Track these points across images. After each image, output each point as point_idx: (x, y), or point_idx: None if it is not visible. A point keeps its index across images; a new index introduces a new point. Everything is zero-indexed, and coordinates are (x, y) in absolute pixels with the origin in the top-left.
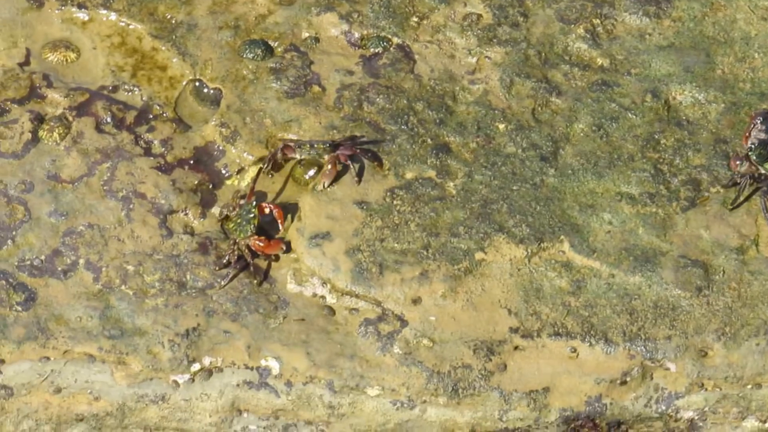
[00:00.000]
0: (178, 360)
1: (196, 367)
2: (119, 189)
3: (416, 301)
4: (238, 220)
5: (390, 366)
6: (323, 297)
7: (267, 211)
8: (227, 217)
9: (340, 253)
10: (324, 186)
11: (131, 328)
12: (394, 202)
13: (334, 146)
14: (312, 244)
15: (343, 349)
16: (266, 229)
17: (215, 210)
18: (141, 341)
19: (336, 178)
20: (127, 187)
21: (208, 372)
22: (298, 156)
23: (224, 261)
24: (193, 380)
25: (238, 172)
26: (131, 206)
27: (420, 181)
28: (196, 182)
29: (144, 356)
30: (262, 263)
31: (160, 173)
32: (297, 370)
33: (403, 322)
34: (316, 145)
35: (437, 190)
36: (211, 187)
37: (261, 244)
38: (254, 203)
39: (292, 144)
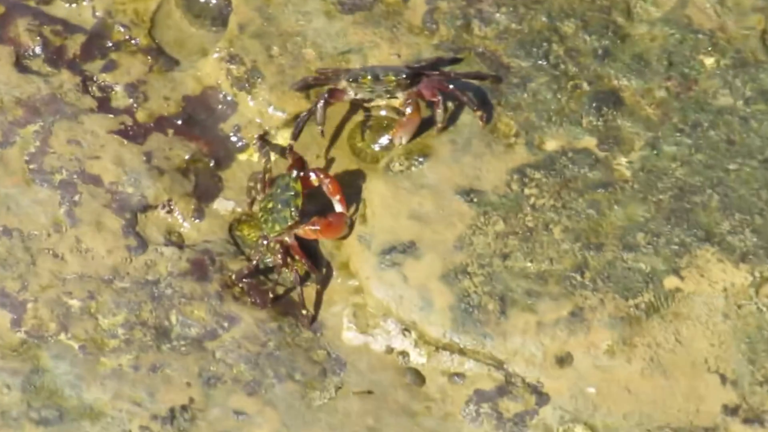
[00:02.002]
0: None
1: None
2: (55, 168)
3: (564, 360)
4: (269, 204)
5: None
6: (404, 354)
7: (314, 180)
8: (252, 203)
9: (432, 279)
10: (401, 141)
11: (77, 406)
12: (526, 191)
13: (414, 77)
14: (385, 264)
15: None
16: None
17: (221, 204)
18: (94, 429)
19: (418, 133)
20: (68, 166)
21: None
22: (353, 94)
23: (245, 271)
24: None
25: (260, 140)
26: (76, 198)
27: (569, 154)
28: (187, 157)
29: None
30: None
31: (125, 142)
32: None
33: (542, 397)
34: (383, 77)
35: (599, 171)
36: (212, 164)
37: (315, 228)
38: (294, 174)
39: (342, 79)
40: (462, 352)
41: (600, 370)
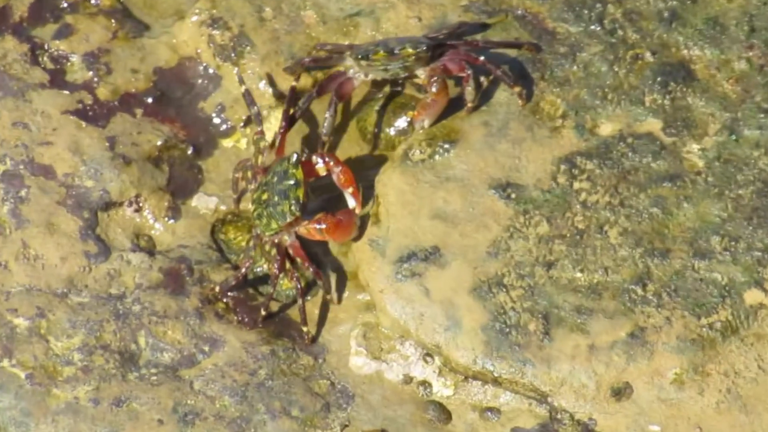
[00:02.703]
0: None
1: None
2: None
3: (622, 392)
4: (264, 196)
5: None
6: (426, 384)
7: (321, 168)
8: (239, 198)
9: (461, 293)
10: (423, 125)
11: None
12: (575, 185)
13: (437, 49)
14: (402, 274)
15: None
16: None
17: (200, 201)
18: None
19: (444, 114)
20: (13, 154)
21: None
22: (362, 77)
23: (232, 282)
24: None
25: (247, 122)
26: (23, 193)
27: (629, 140)
28: (159, 143)
29: None
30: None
31: (83, 124)
32: None
33: None
34: (399, 50)
35: (665, 161)
36: (190, 152)
37: (320, 227)
38: (294, 158)
39: (347, 58)
40: (497, 382)
41: (666, 405)
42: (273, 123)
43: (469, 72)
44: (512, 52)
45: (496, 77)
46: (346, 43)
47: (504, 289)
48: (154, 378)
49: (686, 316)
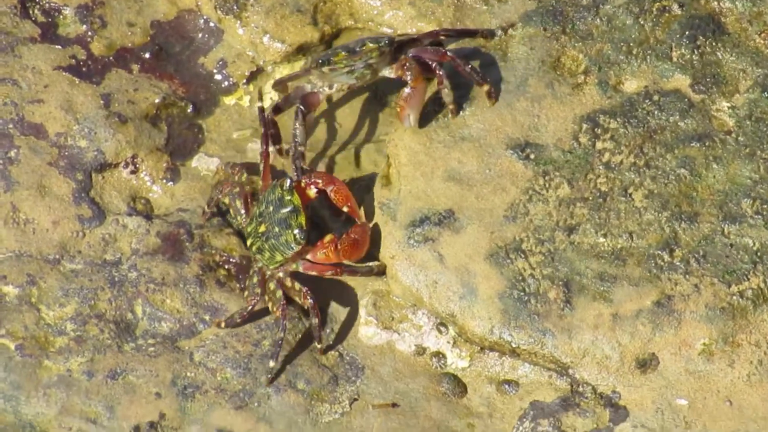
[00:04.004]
0: None
1: None
2: None
3: (647, 363)
4: (261, 228)
5: None
6: (440, 355)
7: (312, 191)
8: (227, 211)
9: (476, 259)
10: (410, 122)
11: (12, 423)
12: (598, 145)
13: (395, 43)
14: (415, 239)
15: None
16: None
17: (201, 162)
18: None
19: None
20: (2, 112)
21: None
22: (328, 89)
23: (238, 319)
24: None
25: (251, 78)
26: (12, 154)
27: (655, 98)
28: (157, 101)
29: None
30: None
31: (77, 81)
32: None
33: (618, 412)
34: (360, 47)
35: (693, 119)
36: (190, 110)
37: (337, 251)
38: (288, 184)
39: (311, 71)
40: (515, 353)
41: (694, 377)
42: (278, 76)
43: (441, 73)
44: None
45: (464, 75)
46: (300, 70)
47: (522, 255)
48: (152, 349)
49: (715, 284)
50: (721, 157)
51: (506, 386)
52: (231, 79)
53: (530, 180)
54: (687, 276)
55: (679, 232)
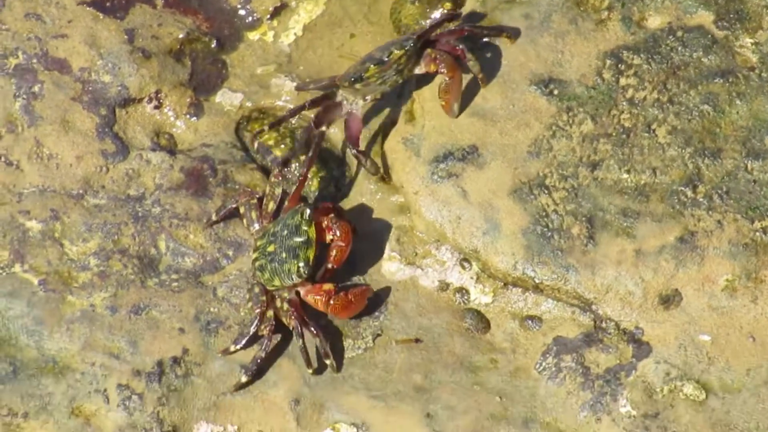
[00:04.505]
0: (142, 429)
1: None
2: (9, 51)
3: (670, 299)
4: (270, 248)
5: None
6: (463, 291)
7: (328, 239)
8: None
9: (500, 195)
10: (455, 112)
11: (35, 359)
12: (622, 81)
13: (420, 41)
14: (439, 175)
15: (508, 406)
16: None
17: (225, 98)
18: (58, 388)
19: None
20: (26, 47)
21: None
22: (360, 101)
23: (247, 338)
24: None
25: (275, 13)
26: (36, 89)
27: (678, 33)
28: (181, 36)
29: (64, 421)
30: None
31: (101, 16)
32: None
33: (641, 348)
34: (388, 57)
35: (717, 55)
36: (214, 46)
37: (328, 303)
38: (308, 213)
39: (339, 88)
40: (538, 289)
41: (717, 313)
42: (302, 15)
43: (461, 47)
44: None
45: (484, 37)
46: (326, 78)
47: (546, 191)
48: (175, 284)
49: (739, 220)
50: (744, 93)
51: (529, 322)
52: (255, 14)
53: (554, 116)
54: (710, 212)
55: (702, 168)
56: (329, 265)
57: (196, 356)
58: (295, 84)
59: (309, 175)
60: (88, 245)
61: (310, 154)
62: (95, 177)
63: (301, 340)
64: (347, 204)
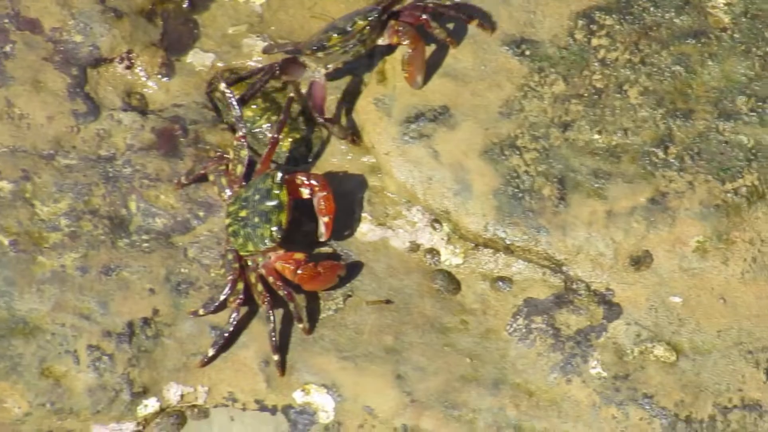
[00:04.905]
0: (112, 390)
1: (149, 405)
2: None
3: (641, 260)
4: (242, 213)
5: (583, 410)
6: (434, 252)
7: (305, 191)
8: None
9: (471, 155)
10: (419, 84)
11: (5, 319)
12: (594, 42)
13: (385, 13)
14: (410, 135)
15: (478, 367)
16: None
17: (196, 58)
18: (28, 349)
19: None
20: None
21: (176, 417)
22: (323, 70)
23: (216, 303)
24: None
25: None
26: (7, 49)
27: None
28: None
29: (34, 382)
30: None
31: None
32: (375, 416)
33: (612, 309)
34: (351, 27)
35: (689, 16)
36: (186, 5)
37: (296, 272)
38: (279, 177)
39: (303, 55)
40: (509, 250)
41: (688, 275)
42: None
43: (425, 17)
44: None
45: (450, 17)
46: (291, 42)
47: (517, 152)
48: (146, 245)
49: (710, 181)
50: (716, 54)
51: (500, 283)
52: None
53: (525, 76)
54: (681, 173)
55: (673, 129)
56: (325, 219)
57: (167, 317)
58: (266, 44)
59: (280, 136)
60: (58, 206)
61: (281, 117)
62: (66, 137)
63: (271, 324)
64: (318, 165)
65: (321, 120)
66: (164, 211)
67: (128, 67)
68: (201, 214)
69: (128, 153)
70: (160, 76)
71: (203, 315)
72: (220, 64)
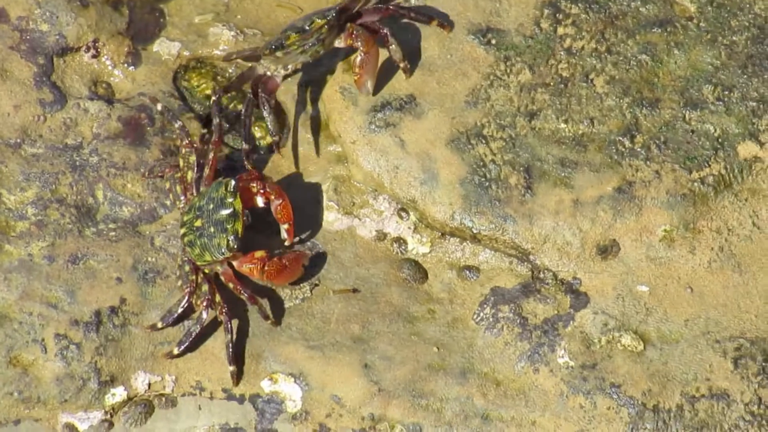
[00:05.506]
0: (79, 379)
1: (117, 393)
2: None
3: (608, 249)
4: (197, 222)
5: (550, 400)
6: (400, 241)
7: (259, 200)
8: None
9: (438, 144)
10: (369, 90)
11: None
12: (560, 31)
13: (343, 13)
14: (376, 124)
15: (446, 356)
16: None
17: (162, 47)
18: None
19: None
20: None
21: (144, 405)
22: (283, 70)
23: (174, 316)
24: (111, 424)
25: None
26: None
27: None
28: None
29: (1, 371)
30: None
31: None
32: (342, 405)
33: (579, 298)
34: (309, 26)
35: (655, 5)
36: None
37: (263, 270)
38: (232, 186)
39: (261, 57)
40: (475, 239)
41: (655, 264)
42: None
43: (385, 30)
44: None
45: (411, 20)
46: (247, 48)
47: (483, 141)
48: (113, 234)
49: (677, 170)
50: (682, 43)
51: (467, 272)
52: None
53: (491, 65)
54: (648, 162)
55: (640, 118)
56: (285, 226)
57: (134, 306)
58: (232, 33)
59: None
60: (25, 194)
61: (215, 121)
62: (33, 126)
63: (228, 336)
64: (285, 153)
65: (267, 106)
66: (131, 200)
67: (95, 56)
68: (167, 203)
69: (95, 142)
70: (126, 65)
71: (161, 328)
72: (186, 53)
